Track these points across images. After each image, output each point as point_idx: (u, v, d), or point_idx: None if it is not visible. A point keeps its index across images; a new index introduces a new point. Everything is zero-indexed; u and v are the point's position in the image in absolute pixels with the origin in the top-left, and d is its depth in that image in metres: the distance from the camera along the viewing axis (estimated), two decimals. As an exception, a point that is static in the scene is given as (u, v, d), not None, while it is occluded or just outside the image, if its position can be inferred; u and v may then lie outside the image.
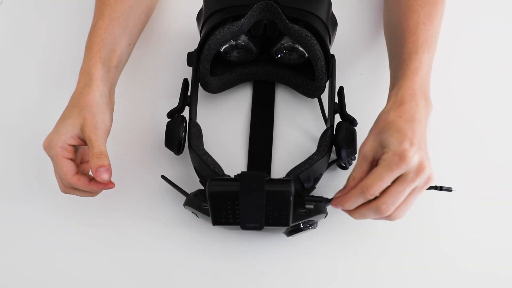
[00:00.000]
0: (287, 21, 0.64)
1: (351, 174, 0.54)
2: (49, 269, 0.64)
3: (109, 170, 0.57)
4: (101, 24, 0.66)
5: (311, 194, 0.63)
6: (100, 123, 0.59)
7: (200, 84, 0.70)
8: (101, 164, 0.57)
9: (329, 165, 0.66)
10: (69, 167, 0.58)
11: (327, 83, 0.69)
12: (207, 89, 0.70)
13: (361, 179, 0.53)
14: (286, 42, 0.68)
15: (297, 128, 0.72)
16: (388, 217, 0.53)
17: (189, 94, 0.67)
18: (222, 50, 0.69)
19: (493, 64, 0.77)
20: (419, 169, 0.51)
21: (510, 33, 0.79)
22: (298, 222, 0.59)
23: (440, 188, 0.59)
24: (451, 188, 0.60)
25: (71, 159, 0.59)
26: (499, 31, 0.80)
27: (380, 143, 0.53)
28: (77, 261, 0.65)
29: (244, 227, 0.56)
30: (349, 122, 0.65)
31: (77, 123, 0.59)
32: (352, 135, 0.63)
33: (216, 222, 0.56)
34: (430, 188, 0.55)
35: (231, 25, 0.64)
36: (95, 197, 0.63)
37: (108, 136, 0.61)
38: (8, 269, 0.65)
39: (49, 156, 0.59)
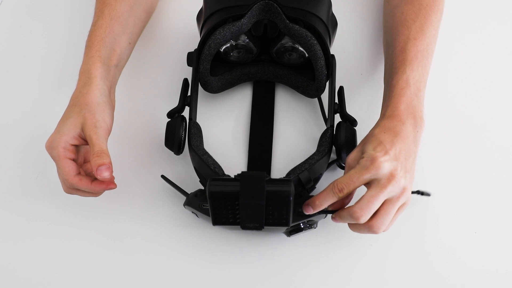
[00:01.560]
0: (287, 21, 0.64)
1: (334, 181, 0.56)
2: (49, 269, 0.64)
3: (109, 168, 0.57)
4: (101, 23, 0.66)
5: (311, 194, 0.63)
6: (100, 122, 0.59)
7: (200, 84, 0.70)
8: (102, 163, 0.57)
9: (329, 165, 0.66)
10: (71, 168, 0.58)
11: (327, 83, 0.69)
12: (207, 89, 0.70)
13: (355, 187, 0.55)
14: (286, 42, 0.68)
15: (297, 128, 0.72)
16: (370, 228, 0.55)
17: (189, 94, 0.67)
18: (222, 50, 0.70)
19: (490, 65, 0.77)
20: (390, 177, 0.53)
21: (506, 34, 0.80)
22: (298, 222, 0.59)
23: (421, 193, 0.63)
24: (429, 193, 0.64)
25: (73, 159, 0.59)
26: (496, 33, 0.80)
27: (362, 153, 0.56)
28: (77, 261, 0.65)
29: (244, 227, 0.56)
30: (349, 122, 0.65)
31: (78, 122, 0.59)
32: (352, 135, 0.63)
33: (216, 222, 0.56)
34: (412, 192, 0.58)
35: (231, 25, 0.64)
36: (95, 197, 0.63)
37: (109, 134, 0.61)
38: (8, 269, 0.64)
39: (51, 157, 0.59)
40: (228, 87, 0.73)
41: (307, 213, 0.57)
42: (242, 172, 0.55)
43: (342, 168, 0.68)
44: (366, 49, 0.78)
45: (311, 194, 0.63)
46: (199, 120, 0.70)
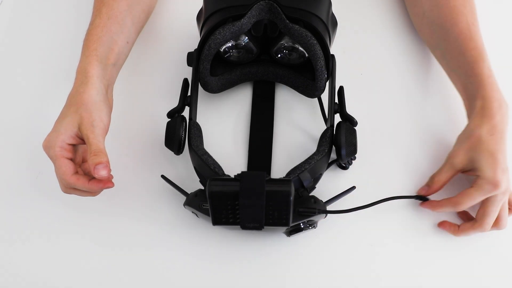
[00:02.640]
0: (287, 21, 0.64)
1: (434, 176, 0.64)
2: (49, 269, 0.64)
3: (107, 167, 0.57)
4: (98, 23, 0.66)
5: (311, 194, 0.63)
6: (97, 120, 0.59)
7: (200, 84, 0.70)
8: (99, 161, 0.57)
9: (329, 165, 0.66)
10: (68, 167, 0.58)
11: (327, 83, 0.69)
12: (207, 89, 0.70)
13: (444, 183, 0.64)
14: (286, 42, 0.68)
15: (297, 128, 0.72)
16: (480, 231, 0.62)
17: (189, 94, 0.67)
18: (222, 50, 0.69)
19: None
20: (506, 191, 0.60)
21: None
22: (298, 222, 0.59)
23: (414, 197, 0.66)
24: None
25: (71, 159, 0.59)
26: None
27: (470, 160, 0.61)
28: (77, 261, 0.65)
29: (244, 227, 0.56)
30: (349, 122, 0.65)
31: (75, 121, 0.59)
32: (352, 135, 0.63)
33: (216, 222, 0.56)
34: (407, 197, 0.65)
35: (231, 25, 0.64)
36: (95, 197, 0.63)
37: (106, 133, 0.61)
38: (8, 269, 0.64)
39: (49, 156, 0.59)
40: (228, 87, 0.73)
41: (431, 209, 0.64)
42: (242, 172, 0.55)
43: (342, 168, 0.68)
44: (366, 49, 0.78)
45: (311, 194, 0.63)
46: (199, 120, 0.70)
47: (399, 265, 0.64)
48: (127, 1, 0.68)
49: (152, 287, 0.63)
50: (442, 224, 0.65)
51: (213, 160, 0.62)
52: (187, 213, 0.65)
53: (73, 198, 0.63)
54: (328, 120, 0.66)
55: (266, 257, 0.64)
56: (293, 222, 0.58)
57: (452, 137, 0.66)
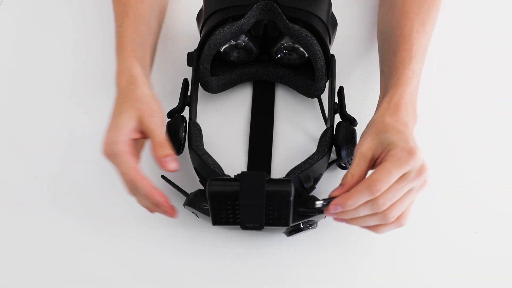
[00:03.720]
0: (287, 21, 0.64)
1: (348, 172, 0.54)
2: (49, 269, 0.64)
3: (176, 159, 0.55)
4: (128, 24, 0.64)
5: (311, 194, 0.63)
6: (156, 111, 0.57)
7: (200, 84, 0.70)
8: (167, 153, 0.55)
9: (329, 165, 0.66)
10: (134, 162, 0.55)
11: (327, 83, 0.69)
12: (207, 89, 0.70)
13: (360, 177, 0.53)
14: (286, 42, 0.68)
15: (297, 128, 0.72)
16: (382, 216, 0.52)
17: (189, 94, 0.67)
18: (222, 50, 0.69)
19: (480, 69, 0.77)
20: (421, 169, 0.52)
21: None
22: (298, 222, 0.59)
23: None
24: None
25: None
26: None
27: (380, 142, 0.54)
28: (77, 261, 0.65)
29: (244, 227, 0.56)
30: (349, 122, 0.65)
31: (133, 115, 0.56)
32: (352, 135, 0.63)
33: (216, 222, 0.56)
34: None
35: (231, 25, 0.64)
36: (95, 197, 0.63)
37: (164, 127, 0.59)
38: (8, 269, 0.64)
39: (112, 155, 0.55)
40: (228, 87, 0.73)
41: (333, 212, 0.53)
42: (242, 172, 0.55)
43: (342, 168, 0.68)
44: (366, 49, 0.78)
45: (311, 194, 0.63)
46: (199, 120, 0.70)
47: (400, 264, 0.64)
48: (148, 2, 0.68)
49: (152, 287, 0.63)
50: (331, 208, 0.53)
51: (213, 160, 0.62)
52: (187, 213, 0.65)
53: (73, 198, 0.63)
54: (328, 120, 0.66)
55: (266, 257, 0.64)
56: (293, 222, 0.58)
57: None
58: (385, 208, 0.52)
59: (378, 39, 0.71)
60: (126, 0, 0.66)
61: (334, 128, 0.65)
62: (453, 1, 0.71)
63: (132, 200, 0.67)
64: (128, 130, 0.56)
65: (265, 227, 0.56)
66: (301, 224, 0.59)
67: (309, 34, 0.64)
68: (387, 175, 0.50)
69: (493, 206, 0.67)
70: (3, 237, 0.66)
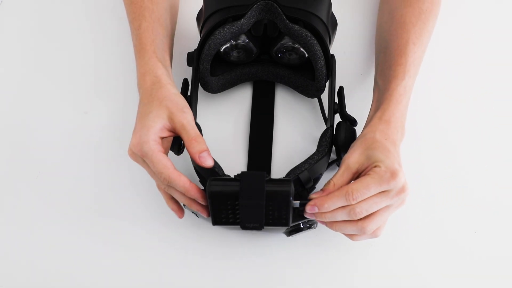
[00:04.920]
0: (287, 21, 0.64)
1: (331, 180, 0.55)
2: (48, 269, 0.64)
3: (210, 155, 0.55)
4: (146, 26, 0.64)
5: (311, 194, 0.63)
6: (185, 107, 0.57)
7: (200, 84, 0.70)
8: (204, 148, 0.55)
9: (329, 165, 0.66)
10: (167, 160, 0.54)
11: (327, 83, 0.69)
12: (207, 89, 0.70)
13: (341, 186, 0.55)
14: (286, 42, 0.68)
15: (297, 128, 0.72)
16: (360, 228, 0.54)
17: (189, 94, 0.67)
18: (222, 50, 0.69)
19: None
20: (401, 190, 0.54)
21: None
22: (298, 222, 0.59)
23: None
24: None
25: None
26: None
27: (367, 158, 0.55)
28: (77, 261, 0.65)
29: (244, 227, 0.56)
30: (349, 122, 0.65)
31: (162, 113, 0.56)
32: (352, 135, 0.63)
33: (216, 222, 0.56)
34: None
35: (231, 25, 0.64)
36: (95, 197, 0.63)
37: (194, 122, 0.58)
38: (7, 269, 0.64)
39: (143, 155, 0.55)
40: (228, 87, 0.73)
41: (309, 212, 0.55)
42: (242, 172, 0.55)
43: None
44: (366, 49, 0.78)
45: (311, 194, 0.63)
46: (199, 120, 0.70)
47: (399, 265, 0.64)
48: (163, 4, 0.68)
49: (152, 287, 0.63)
50: (309, 208, 0.55)
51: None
52: (187, 213, 0.65)
53: (72, 198, 0.63)
54: (328, 120, 0.66)
55: (266, 257, 0.64)
56: (293, 222, 0.58)
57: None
58: (361, 216, 0.53)
59: (376, 48, 0.71)
60: (142, 2, 0.66)
61: (334, 128, 0.65)
62: (453, 1, 0.71)
63: (132, 200, 0.67)
64: (157, 128, 0.56)
65: (265, 227, 0.56)
66: (301, 224, 0.60)
67: (309, 34, 0.64)
68: (365, 188, 0.52)
69: (493, 206, 0.67)
70: (3, 237, 0.66)
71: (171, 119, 0.56)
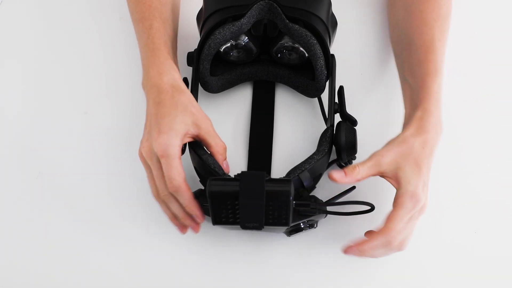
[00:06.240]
0: (287, 21, 0.64)
1: (357, 166, 0.57)
2: (48, 269, 0.64)
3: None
4: (158, 27, 0.64)
5: (311, 194, 0.63)
6: (206, 116, 0.60)
7: (200, 84, 0.70)
8: (225, 157, 0.60)
9: (329, 164, 0.66)
10: (183, 169, 0.56)
11: (327, 83, 0.69)
12: (207, 89, 0.70)
13: (363, 177, 0.57)
14: (286, 42, 0.68)
15: (297, 128, 0.72)
16: (390, 247, 0.57)
17: (189, 94, 0.67)
18: (222, 50, 0.70)
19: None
20: (422, 209, 0.58)
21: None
22: (298, 222, 0.59)
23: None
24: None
25: None
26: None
27: (397, 167, 0.57)
28: (77, 261, 0.65)
29: (244, 227, 0.56)
30: (349, 121, 0.65)
31: (188, 119, 0.57)
32: (352, 135, 0.63)
33: (216, 221, 0.56)
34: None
35: (231, 25, 0.64)
36: (95, 197, 0.63)
37: None
38: (7, 269, 0.65)
39: (163, 155, 0.55)
40: (228, 87, 0.73)
41: (349, 254, 0.57)
42: (242, 172, 0.55)
43: (342, 167, 0.67)
44: (366, 49, 0.78)
45: (311, 194, 0.63)
46: (199, 120, 0.70)
47: (400, 264, 0.64)
48: (169, 5, 0.68)
49: (152, 287, 0.63)
50: (349, 250, 0.58)
51: (213, 160, 0.62)
52: (187, 213, 0.65)
53: (72, 198, 0.63)
54: (328, 120, 0.66)
55: (266, 257, 0.64)
56: (293, 222, 0.58)
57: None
58: (398, 242, 0.57)
59: (394, 45, 0.71)
60: (150, 2, 0.66)
61: (334, 128, 0.65)
62: (455, 1, 0.71)
63: (132, 200, 0.67)
64: (183, 134, 0.57)
65: (265, 227, 0.56)
66: (301, 224, 0.60)
67: (309, 34, 0.64)
68: (400, 221, 0.56)
69: (494, 206, 0.67)
70: (3, 237, 0.66)
71: (196, 125, 0.58)
